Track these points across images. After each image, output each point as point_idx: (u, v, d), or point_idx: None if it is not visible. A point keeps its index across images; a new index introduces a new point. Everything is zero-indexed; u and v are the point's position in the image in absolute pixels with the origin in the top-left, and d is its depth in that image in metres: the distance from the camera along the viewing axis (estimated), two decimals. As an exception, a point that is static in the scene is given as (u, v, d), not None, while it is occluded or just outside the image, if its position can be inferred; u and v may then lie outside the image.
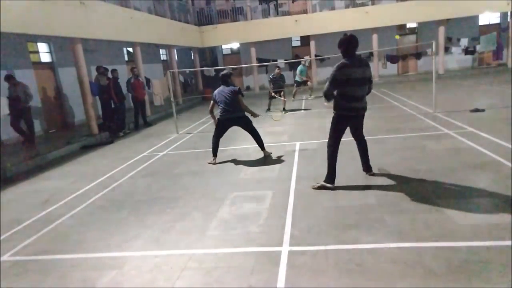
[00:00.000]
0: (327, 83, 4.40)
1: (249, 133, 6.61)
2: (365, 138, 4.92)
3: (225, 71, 6.63)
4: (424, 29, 19.96)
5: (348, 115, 4.56)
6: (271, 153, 6.62)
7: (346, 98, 4.43)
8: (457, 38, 19.88)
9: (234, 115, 6.38)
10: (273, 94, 12.02)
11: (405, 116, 8.94)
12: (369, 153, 4.97)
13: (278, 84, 12.12)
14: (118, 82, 10.82)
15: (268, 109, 12.21)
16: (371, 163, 5.02)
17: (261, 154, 6.56)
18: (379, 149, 6.10)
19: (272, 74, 12.25)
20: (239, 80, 21.91)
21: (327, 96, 4.52)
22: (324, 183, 4.64)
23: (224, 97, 6.32)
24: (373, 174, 4.95)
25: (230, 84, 6.47)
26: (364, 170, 5.02)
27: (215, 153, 6.55)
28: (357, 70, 4.32)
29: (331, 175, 4.65)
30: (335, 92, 4.46)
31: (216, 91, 6.51)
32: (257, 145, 6.61)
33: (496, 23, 20.02)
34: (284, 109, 11.81)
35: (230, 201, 4.58)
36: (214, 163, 6.45)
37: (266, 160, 6.34)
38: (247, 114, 6.57)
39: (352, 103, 4.46)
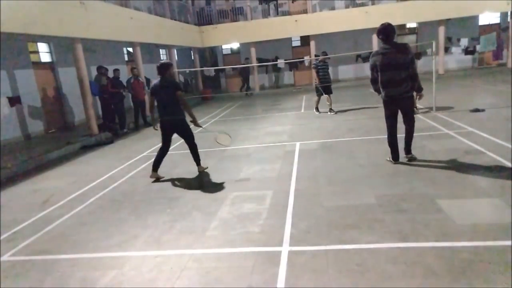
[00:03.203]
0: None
1: (185, 140, 5.68)
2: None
3: (165, 61, 5.59)
4: (424, 29, 19.95)
5: (384, 100, 5.05)
6: (207, 167, 6.04)
7: (381, 83, 4.97)
8: (457, 38, 19.88)
9: (172, 117, 5.36)
10: (319, 89, 10.19)
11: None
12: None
13: (325, 72, 10.14)
14: (120, 80, 10.88)
15: (317, 109, 10.63)
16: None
17: (261, 154, 6.53)
18: (380, 149, 6.09)
19: (316, 60, 10.32)
20: (239, 80, 21.89)
21: (372, 81, 5.12)
22: (390, 159, 5.32)
23: (161, 92, 5.33)
24: (410, 159, 5.23)
25: (167, 76, 5.35)
26: (404, 151, 5.30)
27: (154, 167, 5.66)
28: (385, 56, 4.78)
29: (392, 153, 5.26)
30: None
31: (153, 84, 5.46)
32: (257, 145, 6.51)
33: (496, 23, 20.01)
34: (331, 109, 10.31)
35: (230, 201, 4.58)
36: (156, 179, 5.67)
37: (266, 160, 6.31)
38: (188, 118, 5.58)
39: (385, 88, 4.94)
